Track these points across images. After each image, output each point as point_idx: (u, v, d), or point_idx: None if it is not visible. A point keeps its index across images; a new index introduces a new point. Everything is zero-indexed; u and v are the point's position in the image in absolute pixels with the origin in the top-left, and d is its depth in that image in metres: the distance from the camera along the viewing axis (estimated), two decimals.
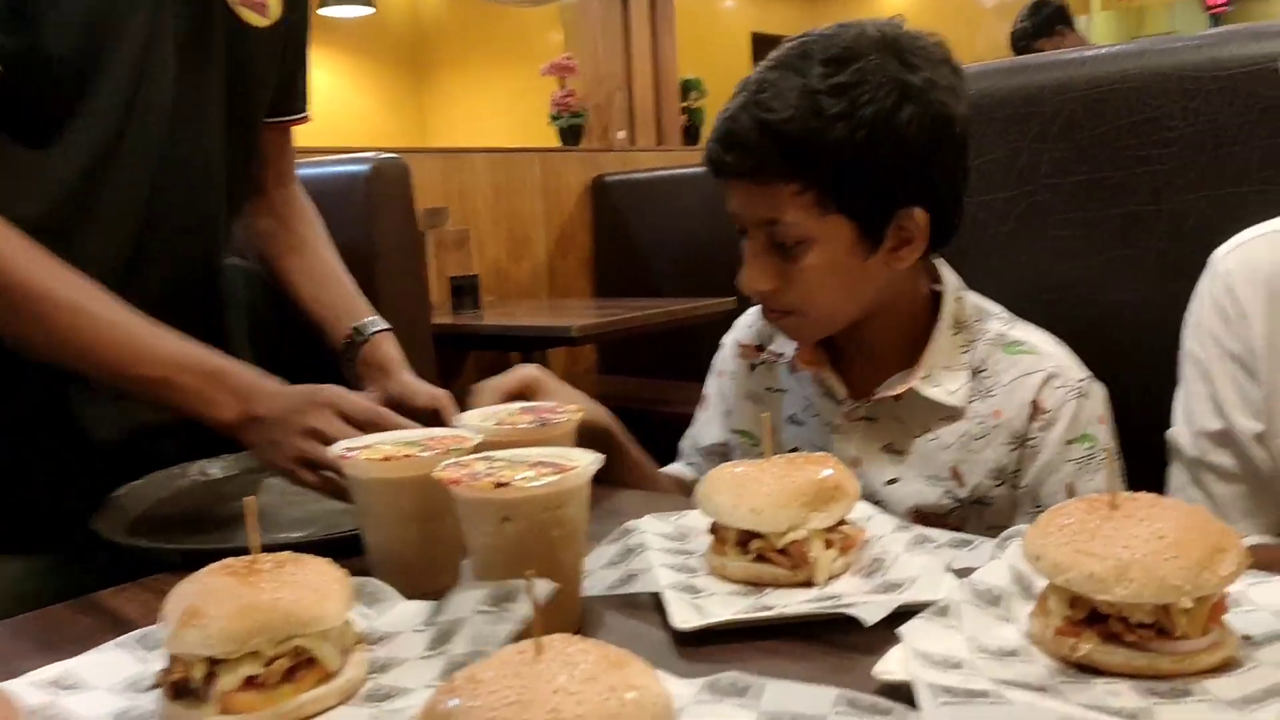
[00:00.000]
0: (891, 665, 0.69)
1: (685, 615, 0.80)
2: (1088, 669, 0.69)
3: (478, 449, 0.90)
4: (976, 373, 1.21)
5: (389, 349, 1.39)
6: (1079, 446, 1.17)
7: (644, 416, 3.38)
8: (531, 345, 3.19)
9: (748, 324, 1.42)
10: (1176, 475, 1.14)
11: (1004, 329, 1.23)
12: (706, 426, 1.47)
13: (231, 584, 0.70)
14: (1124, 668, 0.68)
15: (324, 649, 0.71)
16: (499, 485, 0.77)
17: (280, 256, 1.51)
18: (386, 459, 0.88)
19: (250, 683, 0.69)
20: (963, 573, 0.85)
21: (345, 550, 1.02)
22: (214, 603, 0.69)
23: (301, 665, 0.71)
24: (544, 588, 0.73)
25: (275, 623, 0.69)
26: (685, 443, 1.50)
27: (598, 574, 0.90)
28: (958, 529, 1.04)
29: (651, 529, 1.00)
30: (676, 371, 3.67)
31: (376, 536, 0.91)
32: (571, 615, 0.83)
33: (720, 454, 1.42)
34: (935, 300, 1.26)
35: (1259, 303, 1.03)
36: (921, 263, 1.24)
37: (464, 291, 3.40)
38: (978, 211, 1.49)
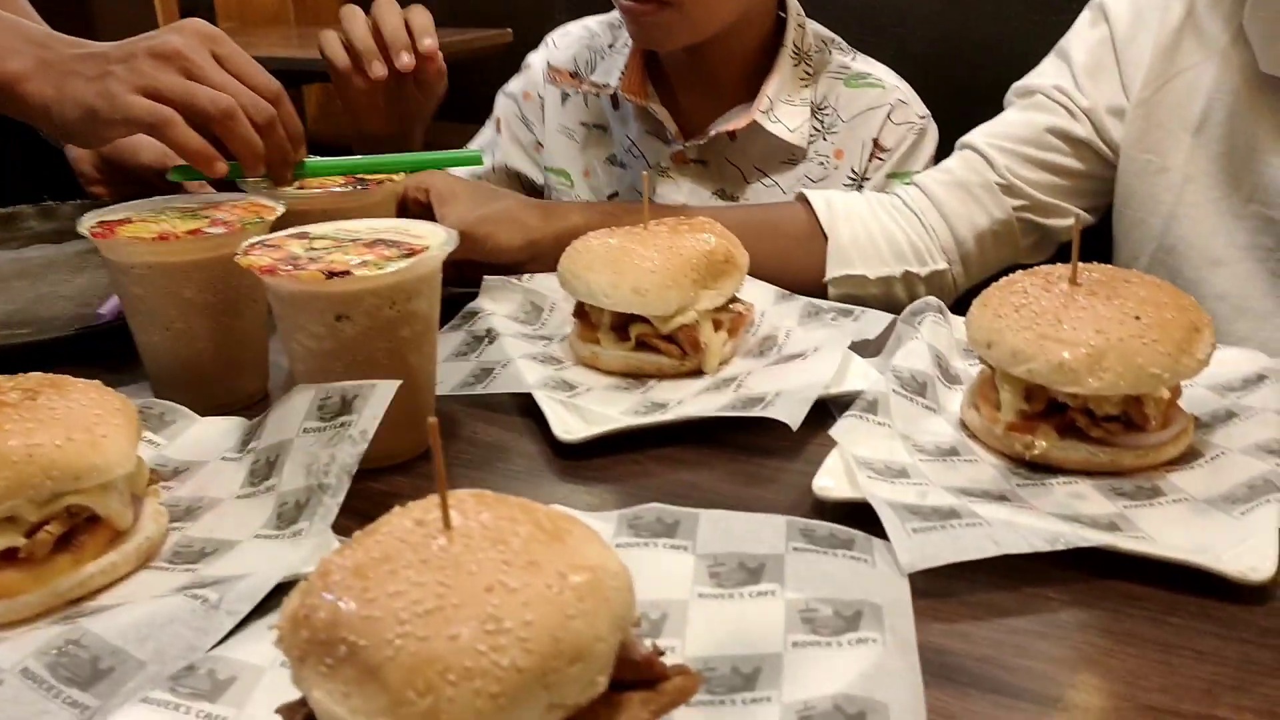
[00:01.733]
0: (831, 480, 0.59)
1: (567, 423, 0.66)
2: (1039, 465, 0.62)
3: (280, 223, 0.71)
4: (818, 109, 1.09)
5: None
6: (898, 181, 1.08)
7: None
8: (284, 81, 2.80)
9: (562, 44, 1.22)
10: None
11: (846, 60, 1.12)
12: (488, 148, 1.26)
13: None
14: (1084, 465, 0.60)
15: (108, 503, 0.53)
16: (332, 274, 0.58)
17: None
18: (162, 238, 0.66)
19: (10, 557, 0.50)
20: (858, 347, 0.75)
21: (102, 352, 0.82)
22: None
23: (80, 527, 0.52)
24: (386, 390, 0.57)
25: (34, 478, 0.50)
26: None
27: (445, 368, 0.74)
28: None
29: (497, 309, 0.84)
30: (446, 112, 3.36)
31: (153, 338, 0.70)
32: (423, 429, 0.67)
33: (502, 181, 1.24)
34: (776, 28, 1.11)
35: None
36: None
37: (195, 14, 2.93)
38: None
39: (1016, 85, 1.02)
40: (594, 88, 1.17)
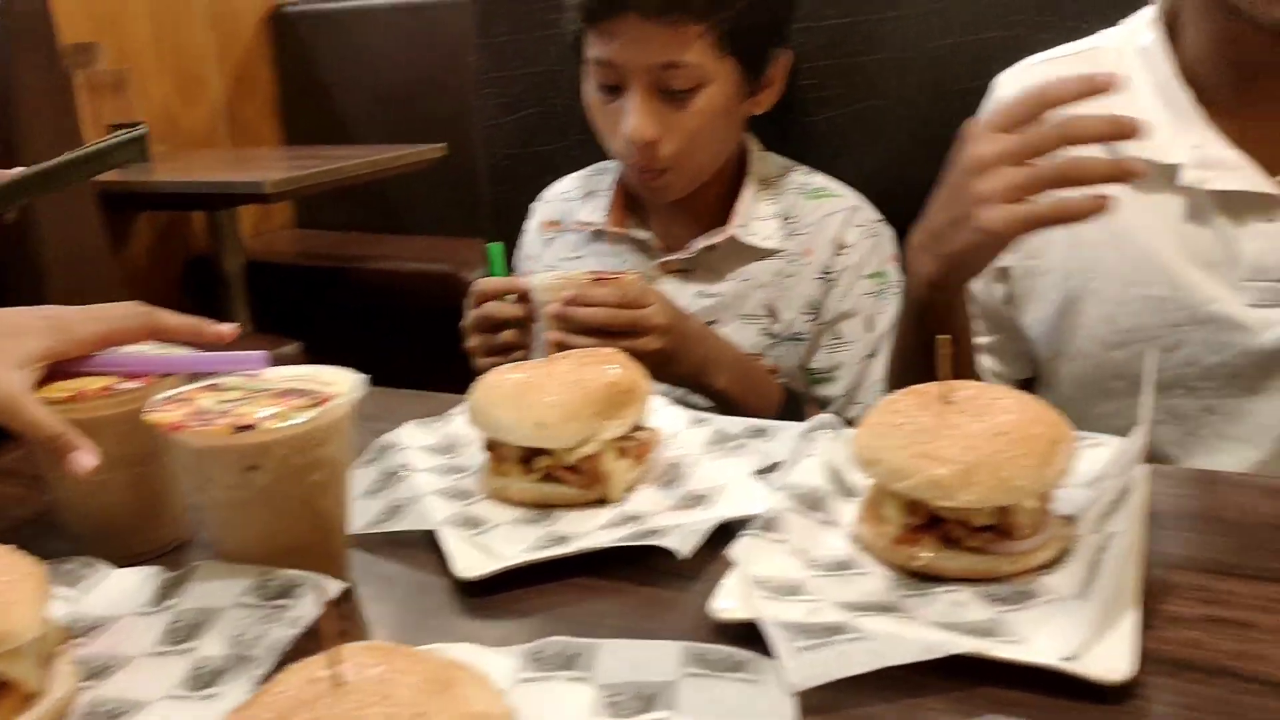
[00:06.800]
0: (729, 601, 0.62)
1: (469, 560, 0.68)
2: (926, 575, 0.65)
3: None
4: (786, 219, 1.24)
5: None
6: (873, 281, 1.23)
7: (348, 275, 3.17)
8: (216, 203, 2.85)
9: (547, 201, 1.39)
10: None
11: (805, 179, 1.27)
12: None
13: None
14: (966, 573, 0.64)
15: (17, 667, 0.54)
16: (240, 428, 0.61)
17: None
18: (74, 397, 0.68)
19: None
20: (768, 469, 0.79)
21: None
22: None
23: None
24: (332, 588, 0.60)
25: None
26: None
27: (356, 506, 0.76)
28: (775, 371, 1.21)
29: (413, 442, 0.87)
30: (382, 224, 3.42)
31: (69, 492, 0.72)
32: (337, 568, 0.69)
33: None
34: (742, 160, 1.27)
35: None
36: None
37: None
38: None
39: None
40: (579, 226, 1.31)
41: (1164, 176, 0.94)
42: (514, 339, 1.09)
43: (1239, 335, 0.92)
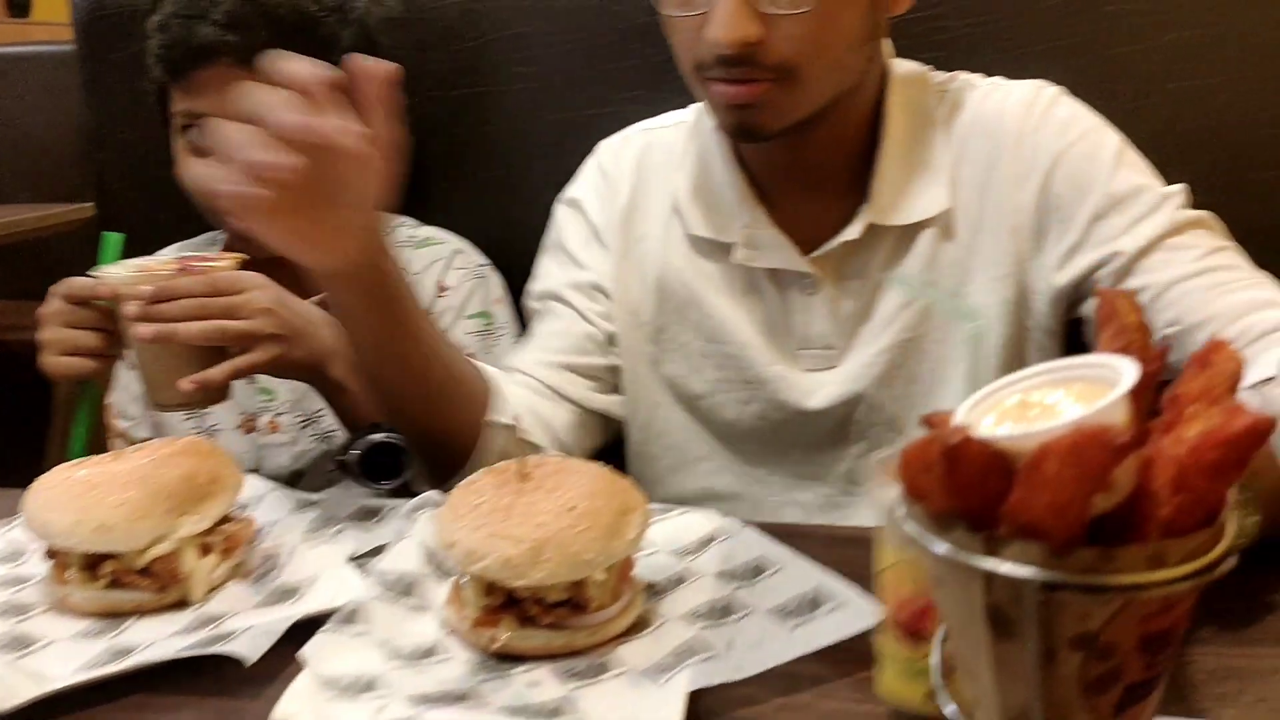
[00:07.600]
0: (294, 704, 0.58)
1: (5, 689, 0.61)
2: (510, 656, 0.65)
3: None
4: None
5: None
6: (476, 321, 1.24)
7: None
8: None
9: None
10: None
11: (413, 231, 1.28)
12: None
13: None
14: (544, 650, 0.64)
15: None
16: None
17: None
18: None
19: None
20: (373, 553, 0.76)
21: None
22: None
23: None
24: None
25: None
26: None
27: None
28: None
29: None
30: (20, 291, 3.10)
31: None
32: None
33: None
34: None
35: (625, 176, 1.08)
36: None
37: None
38: None
39: (531, 290, 1.11)
40: None
41: (725, 251, 1.01)
42: (98, 344, 0.96)
43: (796, 396, 1.01)
